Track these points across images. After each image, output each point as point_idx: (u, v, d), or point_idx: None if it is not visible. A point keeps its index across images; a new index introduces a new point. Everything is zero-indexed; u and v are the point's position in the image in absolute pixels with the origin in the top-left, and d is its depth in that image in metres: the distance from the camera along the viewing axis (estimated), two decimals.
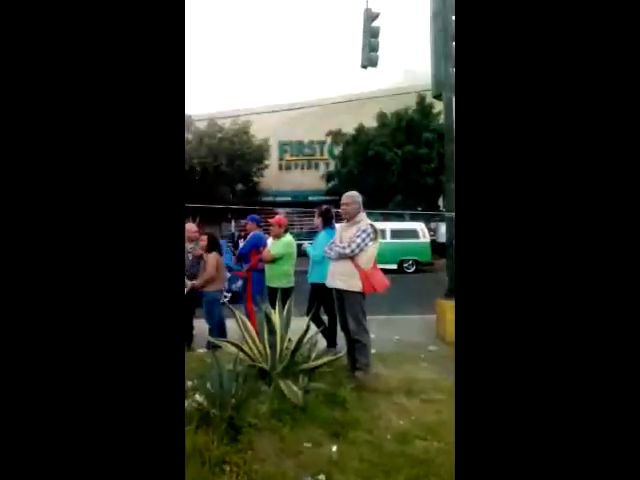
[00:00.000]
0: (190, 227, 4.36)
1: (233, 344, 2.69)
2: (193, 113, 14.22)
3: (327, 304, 3.65)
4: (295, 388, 2.32)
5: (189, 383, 2.37)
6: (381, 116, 14.71)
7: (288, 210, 15.14)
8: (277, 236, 3.99)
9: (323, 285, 3.28)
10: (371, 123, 14.79)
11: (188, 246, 4.25)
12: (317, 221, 4.04)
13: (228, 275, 5.05)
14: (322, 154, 18.17)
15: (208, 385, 2.07)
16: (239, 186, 16.11)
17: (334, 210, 3.98)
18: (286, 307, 2.81)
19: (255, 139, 15.66)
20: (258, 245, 4.28)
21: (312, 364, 2.64)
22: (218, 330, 3.81)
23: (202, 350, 3.59)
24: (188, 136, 14.69)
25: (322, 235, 3.80)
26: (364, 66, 6.65)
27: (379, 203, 12.07)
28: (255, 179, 16.53)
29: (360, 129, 14.75)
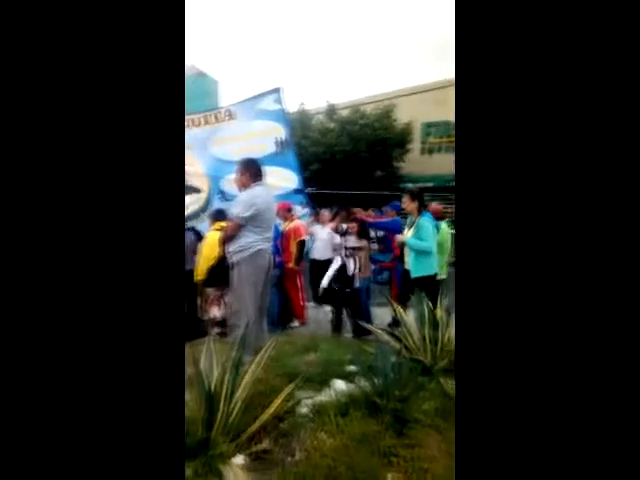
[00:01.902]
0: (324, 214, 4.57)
1: (393, 335, 2.67)
2: (337, 102, 14.62)
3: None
4: None
5: (352, 367, 2.44)
6: None
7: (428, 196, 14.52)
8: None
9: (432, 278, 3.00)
10: None
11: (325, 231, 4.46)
12: (411, 206, 3.62)
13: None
14: None
15: (371, 375, 2.08)
16: (378, 172, 16.07)
17: None
18: (445, 301, 2.67)
19: (398, 122, 15.32)
20: (397, 232, 4.15)
21: None
22: (365, 319, 3.86)
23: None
24: (330, 125, 15.19)
25: (425, 221, 3.42)
26: None
27: None
28: (395, 164, 16.24)
29: None
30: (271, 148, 5.47)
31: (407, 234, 3.73)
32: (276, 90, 5.50)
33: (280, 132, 5.48)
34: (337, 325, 4.25)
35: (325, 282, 4.37)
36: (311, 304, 5.64)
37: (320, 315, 5.49)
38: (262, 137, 5.52)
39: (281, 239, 4.68)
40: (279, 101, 5.47)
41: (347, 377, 2.35)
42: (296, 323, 4.92)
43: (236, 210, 3.04)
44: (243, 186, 3.18)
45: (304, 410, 2.01)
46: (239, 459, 1.64)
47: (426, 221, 3.52)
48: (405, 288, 3.77)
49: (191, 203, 5.80)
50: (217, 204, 5.39)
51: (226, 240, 3.12)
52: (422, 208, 3.59)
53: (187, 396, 1.87)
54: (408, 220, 3.82)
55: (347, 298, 4.18)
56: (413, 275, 3.53)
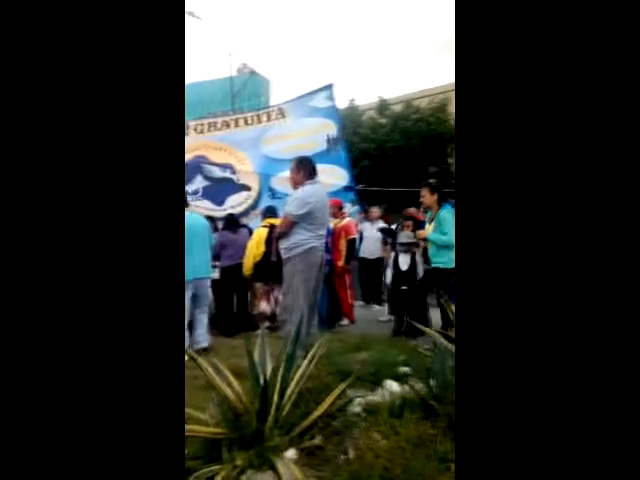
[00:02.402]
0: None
1: (447, 337, 2.57)
2: (389, 96, 14.38)
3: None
4: None
5: (406, 369, 2.37)
6: None
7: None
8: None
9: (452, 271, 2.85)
10: None
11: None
12: (430, 199, 3.47)
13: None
14: None
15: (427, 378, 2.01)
16: (431, 169, 15.63)
17: None
18: None
19: (453, 117, 14.78)
20: None
21: None
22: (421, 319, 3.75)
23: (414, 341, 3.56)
24: (381, 120, 14.96)
25: (445, 213, 3.29)
26: None
27: None
28: (450, 160, 15.70)
29: None
30: (322, 145, 5.48)
31: (428, 229, 3.63)
32: (328, 87, 5.49)
33: (331, 129, 5.48)
34: (399, 325, 4.17)
35: (389, 280, 4.34)
36: (359, 303, 5.59)
37: (370, 314, 5.43)
38: (313, 134, 5.54)
39: (331, 237, 4.67)
40: (331, 98, 5.46)
41: (400, 378, 2.29)
42: (345, 322, 4.89)
43: (290, 208, 3.08)
44: (297, 184, 3.21)
45: (357, 409, 1.97)
46: (291, 453, 1.64)
47: (447, 213, 3.39)
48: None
49: (241, 201, 5.94)
50: (267, 202, 5.49)
51: (280, 237, 3.15)
52: (442, 201, 3.44)
53: (240, 388, 1.90)
54: (428, 215, 3.70)
55: (407, 297, 4.10)
56: (433, 264, 3.47)
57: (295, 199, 3.11)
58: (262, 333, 2.26)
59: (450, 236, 3.32)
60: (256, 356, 1.94)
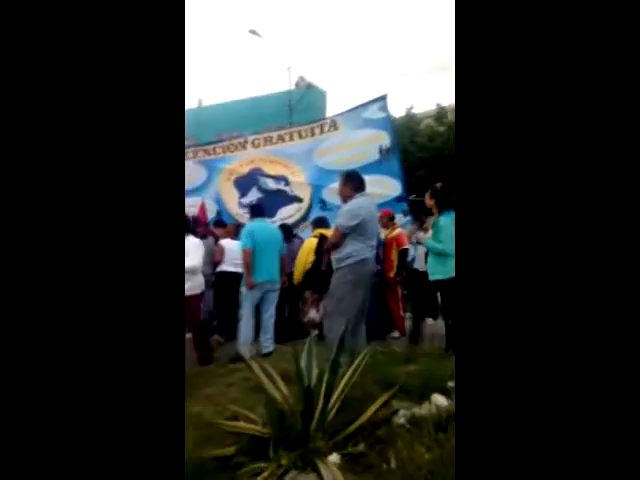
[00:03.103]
0: None
1: None
2: (447, 104, 14.09)
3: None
4: None
5: (454, 384, 2.31)
6: None
7: None
8: None
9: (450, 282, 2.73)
10: None
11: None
12: (429, 203, 3.31)
13: None
14: None
15: None
16: None
17: None
18: None
19: None
20: None
21: None
22: None
23: None
24: (439, 129, 14.67)
25: (445, 221, 3.13)
26: None
27: None
28: None
29: None
30: (374, 156, 5.51)
31: (427, 235, 3.50)
32: (382, 98, 5.53)
33: (384, 139, 5.50)
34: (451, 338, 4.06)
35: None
36: (409, 315, 5.49)
37: (424, 328, 5.31)
38: (365, 145, 5.60)
39: (382, 247, 4.67)
40: (384, 109, 5.49)
41: (448, 392, 2.24)
42: (396, 334, 4.84)
43: (341, 220, 3.17)
44: (345, 197, 3.30)
45: (401, 420, 1.97)
46: (334, 457, 1.68)
47: (447, 221, 3.20)
48: None
49: (292, 213, 6.11)
50: (317, 213, 5.60)
51: (332, 248, 3.24)
52: (443, 207, 3.27)
53: (286, 391, 1.97)
54: (432, 221, 3.54)
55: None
56: (430, 278, 3.34)
57: (346, 212, 3.20)
58: (310, 339, 2.32)
59: (444, 245, 3.16)
60: (303, 362, 2.01)
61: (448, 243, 3.14)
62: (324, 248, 3.31)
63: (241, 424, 1.76)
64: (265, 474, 1.57)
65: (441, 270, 3.26)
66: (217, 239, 5.15)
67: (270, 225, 4.48)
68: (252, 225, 4.12)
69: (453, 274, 3.14)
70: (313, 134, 6.04)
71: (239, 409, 2.04)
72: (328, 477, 1.53)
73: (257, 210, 4.38)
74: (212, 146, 6.70)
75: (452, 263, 3.04)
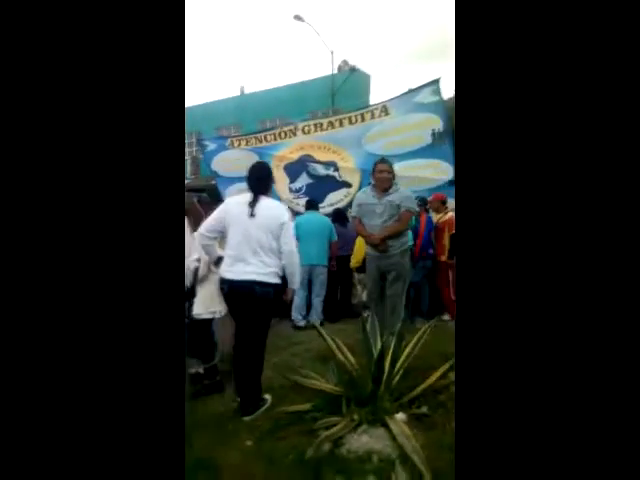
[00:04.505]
0: None
1: None
2: None
3: None
4: None
5: None
6: None
7: None
8: None
9: None
10: None
11: None
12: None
13: None
14: None
15: None
16: None
17: None
18: None
19: None
20: None
21: None
22: None
23: None
24: None
25: None
26: None
27: None
28: None
29: None
30: (427, 140, 5.48)
31: None
32: (435, 82, 5.46)
33: (437, 123, 5.44)
34: None
35: None
36: None
37: None
38: (418, 130, 5.56)
39: (434, 231, 4.70)
40: (437, 92, 5.43)
41: None
42: (447, 317, 4.89)
43: (410, 204, 3.28)
44: (391, 184, 3.34)
45: None
46: (400, 415, 1.84)
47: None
48: None
49: (340, 198, 6.21)
50: None
51: (402, 232, 3.30)
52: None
53: (353, 359, 2.15)
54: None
55: None
56: None
57: (411, 196, 3.34)
58: (372, 313, 2.48)
59: None
60: (369, 330, 2.17)
61: None
62: (393, 231, 3.36)
63: (317, 382, 1.96)
64: (340, 426, 1.76)
65: None
66: None
67: (318, 217, 4.77)
68: (300, 218, 4.63)
69: None
70: (364, 119, 6.08)
71: (308, 372, 2.24)
72: (397, 431, 1.70)
73: (310, 204, 4.89)
74: (263, 134, 6.92)
75: None
